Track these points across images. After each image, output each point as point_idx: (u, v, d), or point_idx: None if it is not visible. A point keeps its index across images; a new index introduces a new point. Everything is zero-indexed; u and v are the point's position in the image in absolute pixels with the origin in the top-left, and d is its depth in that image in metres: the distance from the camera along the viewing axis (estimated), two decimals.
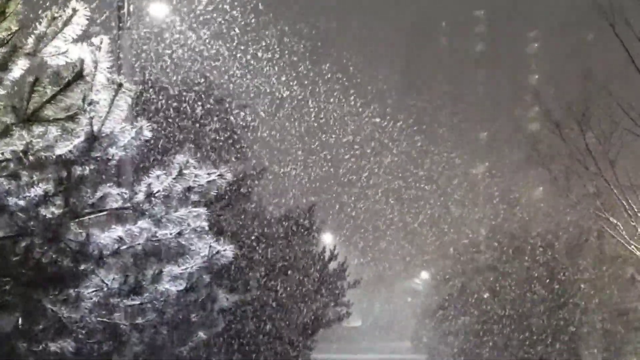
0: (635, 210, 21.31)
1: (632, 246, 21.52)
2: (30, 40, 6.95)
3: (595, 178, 23.04)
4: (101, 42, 7.11)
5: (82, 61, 6.98)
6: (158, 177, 7.80)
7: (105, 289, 7.81)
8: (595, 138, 22.79)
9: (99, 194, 7.56)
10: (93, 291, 7.71)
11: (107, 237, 7.55)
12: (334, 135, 55.91)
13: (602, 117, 22.49)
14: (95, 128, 7.23)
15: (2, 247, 7.19)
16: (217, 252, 8.45)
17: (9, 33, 6.92)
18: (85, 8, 6.95)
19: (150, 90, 18.61)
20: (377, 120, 61.01)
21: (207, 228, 8.19)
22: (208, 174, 8.05)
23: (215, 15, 23.62)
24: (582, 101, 23.57)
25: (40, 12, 7.06)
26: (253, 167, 21.08)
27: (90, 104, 7.09)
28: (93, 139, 7.25)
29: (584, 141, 22.95)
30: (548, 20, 70.72)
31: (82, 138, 7.23)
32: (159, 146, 17.21)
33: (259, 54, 30.68)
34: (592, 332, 28.71)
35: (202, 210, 8.05)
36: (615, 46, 19.19)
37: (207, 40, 22.74)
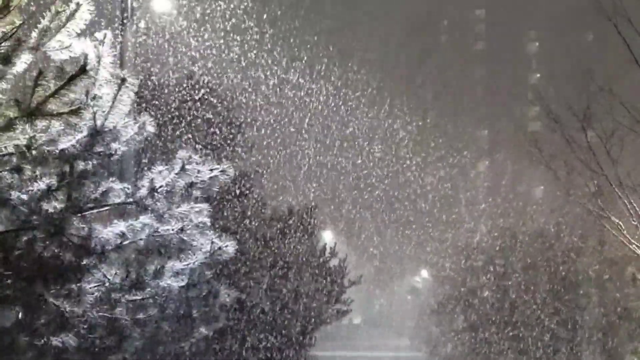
0: (637, 209, 21.21)
1: (634, 245, 21.43)
2: (34, 35, 6.94)
3: (597, 177, 22.91)
4: (104, 37, 7.11)
5: (85, 56, 6.97)
6: (160, 172, 7.79)
7: (107, 284, 7.81)
8: (597, 136, 22.66)
9: (101, 189, 7.56)
10: (95, 286, 7.71)
11: (109, 232, 7.54)
12: (334, 133, 55.94)
13: (604, 115, 22.37)
14: (99, 123, 7.23)
15: (4, 241, 7.19)
16: (219, 248, 8.45)
17: (13, 27, 6.91)
18: (89, 3, 6.94)
19: (152, 85, 18.57)
20: (378, 117, 61.03)
21: (209, 224, 8.18)
22: (210, 169, 8.05)
23: (219, 10, 23.61)
24: (584, 99, 23.47)
25: (43, 6, 7.05)
26: (252, 165, 21.07)
27: (93, 98, 7.09)
28: (96, 133, 7.25)
29: (585, 140, 22.83)
30: (549, 19, 70.69)
31: (85, 133, 7.24)
32: (160, 142, 17.17)
33: (261, 51, 30.68)
34: (593, 330, 28.71)
35: (204, 206, 8.04)
36: (617, 44, 19.10)
37: (209, 36, 22.72)
